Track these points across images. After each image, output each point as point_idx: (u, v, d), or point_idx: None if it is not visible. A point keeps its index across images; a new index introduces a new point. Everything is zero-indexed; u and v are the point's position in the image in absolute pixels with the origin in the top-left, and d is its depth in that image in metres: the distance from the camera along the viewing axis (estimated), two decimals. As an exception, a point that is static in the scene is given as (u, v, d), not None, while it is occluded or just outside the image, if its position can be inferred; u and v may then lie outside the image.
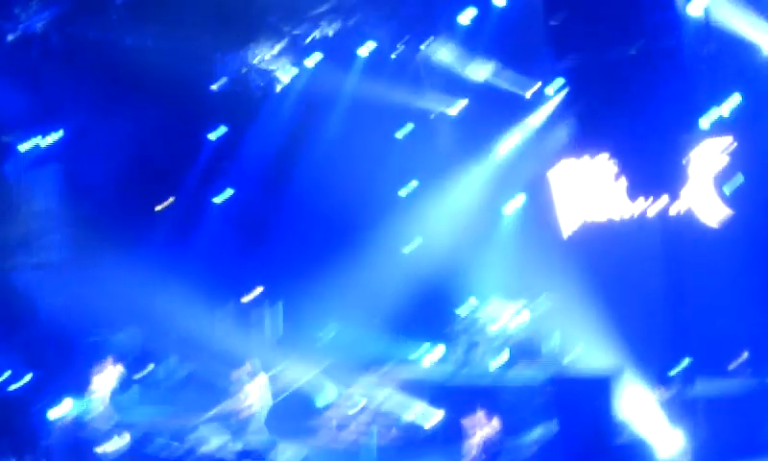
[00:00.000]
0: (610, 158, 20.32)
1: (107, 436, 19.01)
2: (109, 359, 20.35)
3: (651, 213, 19.93)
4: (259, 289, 24.92)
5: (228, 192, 25.95)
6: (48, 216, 26.85)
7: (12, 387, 22.37)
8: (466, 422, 14.24)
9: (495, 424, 13.99)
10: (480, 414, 14.14)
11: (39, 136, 26.43)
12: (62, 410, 20.57)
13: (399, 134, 23.88)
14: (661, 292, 19.30)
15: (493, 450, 13.81)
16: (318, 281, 22.57)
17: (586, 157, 21.13)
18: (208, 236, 25.71)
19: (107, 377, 20.24)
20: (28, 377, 22.55)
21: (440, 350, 21.57)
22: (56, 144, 26.50)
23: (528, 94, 21.95)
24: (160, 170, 26.07)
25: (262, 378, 18.36)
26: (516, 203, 22.95)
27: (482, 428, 13.99)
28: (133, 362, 23.08)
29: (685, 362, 15.45)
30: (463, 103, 22.94)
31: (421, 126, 23.51)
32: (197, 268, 24.15)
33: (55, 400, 20.77)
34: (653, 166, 19.21)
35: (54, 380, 21.96)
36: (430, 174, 23.08)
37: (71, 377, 21.81)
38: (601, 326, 18.16)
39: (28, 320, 25.54)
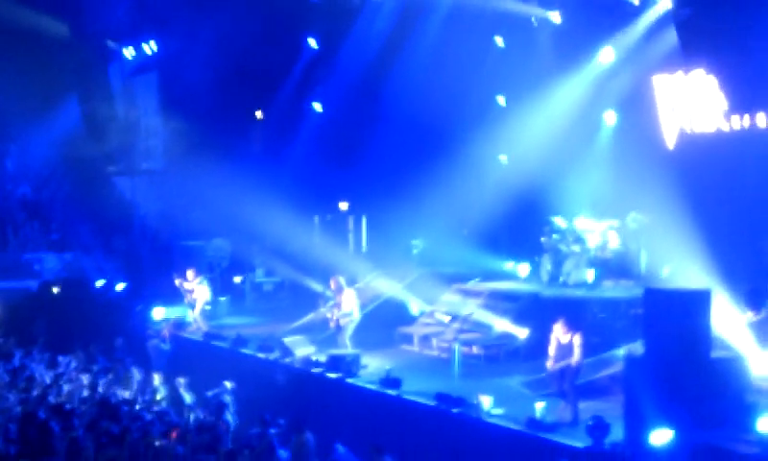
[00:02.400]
0: (715, 70, 19.56)
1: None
2: (199, 268, 20.73)
3: (760, 125, 19.06)
4: (349, 202, 25.02)
5: (321, 103, 25.96)
6: (148, 124, 27.41)
7: (115, 289, 23.16)
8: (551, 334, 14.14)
9: (577, 338, 13.84)
10: (560, 325, 14.01)
11: (142, 44, 26.90)
12: (159, 313, 21.21)
13: (499, 42, 23.32)
14: (762, 210, 18.60)
15: (575, 363, 13.72)
16: (407, 194, 22.50)
17: (690, 68, 20.29)
18: (301, 147, 25.85)
19: (201, 285, 20.66)
20: (124, 283, 23.29)
21: (528, 264, 21.31)
22: (157, 52, 26.91)
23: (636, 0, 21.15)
24: (257, 79, 26.23)
25: (350, 291, 18.44)
26: (615, 115, 22.27)
27: (564, 339, 13.87)
28: (224, 271, 23.55)
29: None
30: (561, 11, 22.22)
31: (522, 33, 22.91)
32: (289, 178, 24.35)
33: (150, 303, 21.42)
34: (761, 80, 18.44)
35: (149, 284, 22.60)
36: (527, 83, 22.52)
37: (165, 282, 22.41)
38: (694, 243, 17.63)
39: (126, 226, 26.28)
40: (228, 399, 15.09)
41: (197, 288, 20.72)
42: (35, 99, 25.85)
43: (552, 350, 14.07)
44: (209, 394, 15.78)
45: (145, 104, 28.03)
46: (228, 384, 15.90)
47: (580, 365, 13.95)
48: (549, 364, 14.09)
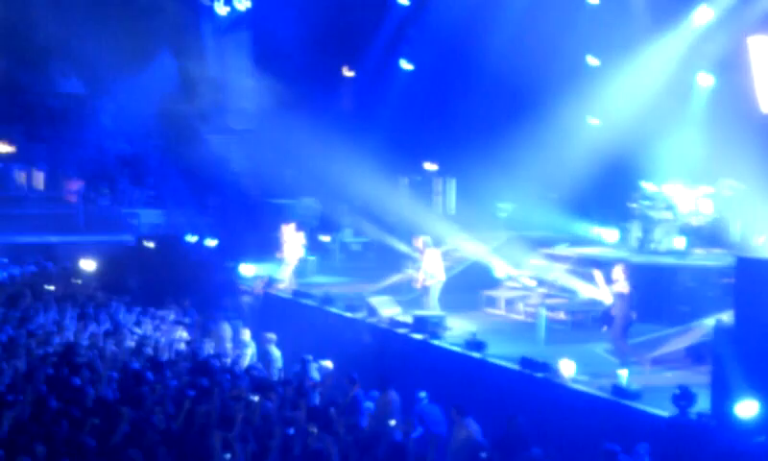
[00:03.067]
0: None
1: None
2: (294, 225, 20.99)
3: None
4: (436, 163, 25.03)
5: (410, 64, 25.94)
6: (240, 82, 27.77)
7: (206, 245, 23.65)
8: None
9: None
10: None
11: (234, 1, 27.23)
12: (248, 270, 21.62)
13: (589, 0, 22.95)
14: None
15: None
16: (495, 156, 22.40)
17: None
18: (390, 106, 25.90)
19: (293, 242, 20.93)
20: (216, 239, 23.76)
21: (617, 230, 21.08)
22: (249, 9, 27.22)
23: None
24: (347, 37, 26.35)
25: (435, 253, 18.53)
26: (710, 78, 21.77)
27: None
28: (313, 230, 23.83)
29: None
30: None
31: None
32: (378, 138, 24.46)
33: (240, 259, 21.85)
34: None
35: (240, 241, 23.02)
36: (619, 44, 22.12)
37: (256, 239, 22.82)
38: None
39: (218, 183, 26.76)
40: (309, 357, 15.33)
41: (295, 244, 21.01)
42: (130, 54, 26.38)
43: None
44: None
45: (237, 61, 28.39)
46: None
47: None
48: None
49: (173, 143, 27.03)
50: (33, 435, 10.78)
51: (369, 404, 13.74)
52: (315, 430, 11.59)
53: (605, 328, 15.15)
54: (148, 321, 17.23)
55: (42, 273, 22.29)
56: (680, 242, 19.36)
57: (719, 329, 13.06)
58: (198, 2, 27.84)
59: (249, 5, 27.10)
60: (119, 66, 27.37)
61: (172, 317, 17.58)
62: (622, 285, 14.83)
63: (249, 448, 11.15)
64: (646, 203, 20.09)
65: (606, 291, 15.26)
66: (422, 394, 13.82)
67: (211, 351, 15.73)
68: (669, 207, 19.84)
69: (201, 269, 21.89)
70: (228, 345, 16.68)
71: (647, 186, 20.39)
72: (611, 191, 21.52)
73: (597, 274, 15.46)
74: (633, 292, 14.94)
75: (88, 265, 21.96)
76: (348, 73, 27.85)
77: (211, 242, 23.78)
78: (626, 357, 14.32)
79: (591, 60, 23.27)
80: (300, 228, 21.75)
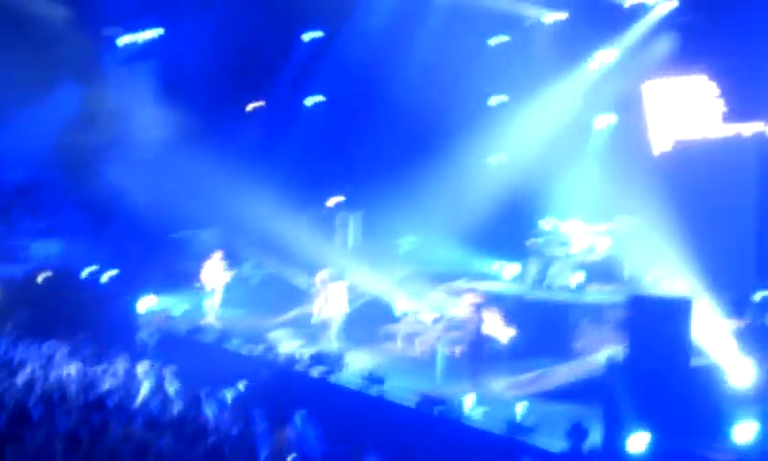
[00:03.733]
0: (709, 77, 19.66)
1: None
2: (218, 255, 20.76)
3: (747, 134, 19.16)
4: (340, 197, 25.02)
5: (318, 97, 25.98)
6: (142, 113, 27.38)
7: (102, 279, 23.14)
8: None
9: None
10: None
11: (138, 32, 26.89)
12: (147, 304, 21.23)
13: (492, 42, 23.33)
14: (748, 218, 18.70)
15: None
16: (399, 191, 22.53)
17: (683, 75, 20.38)
18: (295, 140, 25.86)
19: (218, 274, 20.64)
20: (115, 271, 23.29)
21: (516, 266, 21.39)
22: (152, 41, 26.90)
23: (627, 3, 21.20)
24: (253, 70, 26.25)
25: (339, 286, 18.51)
26: (608, 119, 22.32)
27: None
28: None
29: (765, 292, 14.99)
30: (560, 12, 22.26)
31: (516, 34, 22.94)
32: (281, 171, 24.36)
33: (138, 293, 21.44)
34: (754, 87, 18.54)
35: (138, 274, 22.60)
36: (521, 85, 22.56)
37: (155, 272, 22.44)
38: (683, 249, 17.74)
39: (116, 215, 26.25)
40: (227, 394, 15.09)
41: (218, 274, 20.73)
42: (29, 83, 25.81)
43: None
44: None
45: (140, 92, 28.01)
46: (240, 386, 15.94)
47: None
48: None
49: (71, 173, 26.45)
50: None
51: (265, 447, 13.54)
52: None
53: None
54: (38, 356, 16.72)
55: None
56: (575, 278, 19.74)
57: (611, 365, 13.33)
58: (100, 33, 27.44)
59: (154, 35, 26.81)
60: (18, 95, 26.75)
61: (63, 352, 17.11)
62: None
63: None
64: (542, 240, 20.48)
65: (501, 327, 15.50)
66: (297, 416, 13.72)
67: (105, 387, 15.33)
68: (565, 244, 20.26)
69: (97, 302, 21.42)
70: (123, 380, 16.27)
71: (545, 223, 20.79)
72: (511, 228, 21.85)
73: (491, 314, 15.76)
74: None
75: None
76: (254, 106, 27.73)
77: (109, 275, 23.31)
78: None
79: (495, 99, 23.66)
80: (198, 260, 21.44)
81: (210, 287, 20.77)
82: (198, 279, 20.99)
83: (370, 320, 19.65)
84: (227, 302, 21.86)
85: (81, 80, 27.73)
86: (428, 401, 14.32)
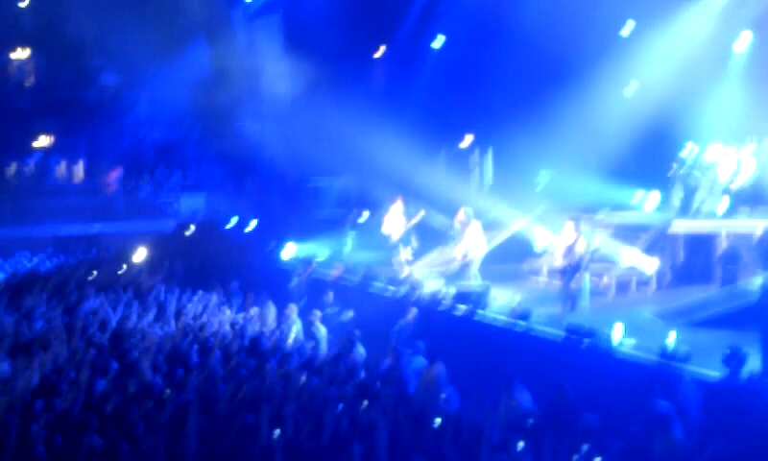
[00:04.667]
0: None
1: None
2: (398, 204, 20.01)
3: None
4: (473, 136, 24.91)
5: (442, 37, 25.83)
6: (272, 66, 27.85)
7: (246, 229, 23.75)
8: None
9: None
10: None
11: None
12: (290, 251, 21.68)
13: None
14: None
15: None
16: (532, 126, 22.26)
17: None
18: (425, 81, 25.81)
19: (401, 222, 19.85)
20: (257, 221, 23.86)
21: (658, 195, 20.89)
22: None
23: None
24: (379, 15, 26.28)
25: (476, 225, 18.49)
26: (746, 40, 21.45)
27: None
28: (351, 208, 23.82)
29: None
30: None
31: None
32: (413, 114, 24.40)
33: (283, 240, 21.93)
34: None
35: (279, 223, 23.11)
36: (654, 8, 21.86)
37: (296, 220, 22.88)
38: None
39: (255, 167, 26.88)
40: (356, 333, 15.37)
41: (403, 224, 19.62)
42: (163, 45, 26.52)
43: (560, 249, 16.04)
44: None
45: (269, 46, 28.44)
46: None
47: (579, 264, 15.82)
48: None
49: (209, 130, 27.19)
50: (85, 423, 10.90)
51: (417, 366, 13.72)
52: (364, 405, 11.63)
53: None
54: (193, 304, 17.34)
55: (86, 262, 22.52)
56: (722, 203, 19.14)
57: (765, 289, 12.93)
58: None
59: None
60: (153, 57, 27.56)
61: (215, 300, 17.70)
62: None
63: (299, 426, 11.21)
64: (687, 165, 19.88)
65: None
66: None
67: (258, 331, 15.81)
68: (710, 169, 19.60)
69: (242, 251, 22.01)
70: (274, 324, 16.75)
71: (687, 150, 20.17)
72: (651, 155, 21.32)
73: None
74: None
75: (131, 253, 22.17)
76: (380, 51, 27.79)
77: (251, 224, 23.89)
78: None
79: (626, 27, 23.01)
80: (339, 205, 21.66)
81: (396, 237, 19.67)
82: (379, 229, 20.22)
83: (512, 255, 19.59)
84: (368, 245, 22.14)
85: (211, 38, 28.33)
86: (576, 334, 14.20)
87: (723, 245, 17.61)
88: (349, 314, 17.10)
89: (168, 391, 12.02)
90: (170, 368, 13.22)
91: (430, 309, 16.91)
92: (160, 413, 11.42)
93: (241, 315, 16.90)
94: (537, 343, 14.74)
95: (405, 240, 19.61)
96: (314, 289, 19.07)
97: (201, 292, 18.10)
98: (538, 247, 19.64)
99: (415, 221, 19.67)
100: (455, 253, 18.54)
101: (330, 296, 17.95)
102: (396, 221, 19.77)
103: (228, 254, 21.85)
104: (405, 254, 19.55)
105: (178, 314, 16.46)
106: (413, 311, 16.45)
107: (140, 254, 21.82)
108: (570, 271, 16.70)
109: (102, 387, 12.13)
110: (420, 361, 14.04)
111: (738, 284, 15.68)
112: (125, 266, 20.99)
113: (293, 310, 16.61)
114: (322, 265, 20.91)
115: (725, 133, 20.43)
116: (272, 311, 17.15)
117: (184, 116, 28.29)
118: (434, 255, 20.04)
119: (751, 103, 20.26)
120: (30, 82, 31.25)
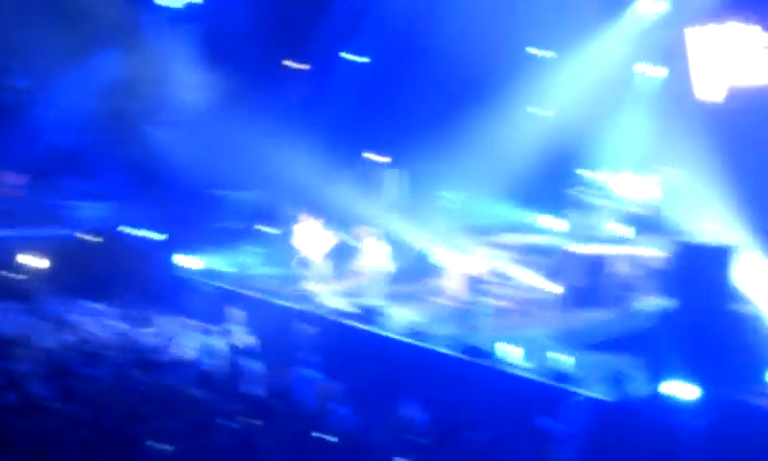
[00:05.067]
0: (762, 28, 19.27)
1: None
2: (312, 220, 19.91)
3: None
4: (383, 154, 24.93)
5: (359, 57, 25.89)
6: (183, 76, 27.51)
7: (148, 239, 23.34)
8: None
9: None
10: None
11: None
12: (194, 263, 21.41)
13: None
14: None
15: None
16: (442, 146, 22.40)
17: (732, 23, 19.97)
18: (337, 98, 25.81)
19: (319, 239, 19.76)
20: (161, 232, 23.48)
21: (560, 219, 21.24)
22: (193, 3, 26.95)
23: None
24: (294, 28, 26.21)
25: (380, 242, 18.53)
26: (655, 69, 21.97)
27: None
28: (257, 222, 23.60)
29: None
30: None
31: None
32: (324, 128, 24.34)
33: (186, 251, 21.62)
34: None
35: (184, 234, 22.78)
36: (565, 34, 22.26)
37: (201, 231, 22.59)
38: (729, 199, 17.50)
39: (161, 177, 26.45)
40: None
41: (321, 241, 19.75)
42: (73, 48, 26.01)
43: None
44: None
45: (184, 55, 28.11)
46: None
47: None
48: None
49: (115, 136, 26.69)
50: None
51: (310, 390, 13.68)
52: (256, 420, 11.56)
53: None
54: (88, 314, 17.02)
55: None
56: (620, 229, 19.56)
57: (657, 314, 13.24)
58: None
59: (195, -1, 26.86)
60: (61, 60, 26.98)
61: (110, 310, 17.39)
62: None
63: (191, 442, 11.07)
64: (588, 191, 20.29)
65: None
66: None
67: (152, 343, 15.58)
68: (610, 195, 20.04)
69: (143, 262, 21.61)
70: (169, 337, 16.51)
71: (589, 174, 20.57)
72: (555, 180, 21.61)
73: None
74: None
75: (28, 259, 21.61)
76: (296, 66, 27.71)
77: (154, 235, 23.50)
78: None
79: (538, 51, 23.37)
80: (243, 219, 21.41)
81: (310, 255, 19.57)
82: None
83: (413, 274, 19.65)
84: (271, 260, 21.97)
85: (122, 44, 27.87)
86: (472, 353, 14.32)
87: (619, 269, 17.94)
88: (248, 328, 16.92)
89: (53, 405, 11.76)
90: (57, 378, 12.92)
91: (328, 325, 16.86)
92: (44, 425, 11.15)
93: (137, 326, 16.64)
94: (432, 361, 14.82)
95: (311, 257, 19.54)
96: (215, 302, 18.86)
97: (96, 302, 17.76)
98: (439, 266, 19.75)
99: (327, 240, 19.67)
100: (357, 269, 18.56)
101: (231, 309, 17.76)
102: (306, 237, 19.76)
103: (127, 264, 21.44)
104: (309, 269, 19.50)
105: (71, 324, 16.12)
106: (310, 326, 16.39)
107: (37, 261, 21.30)
108: (470, 291, 16.86)
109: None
110: (314, 376, 13.99)
111: (631, 309, 16.00)
112: (20, 273, 20.47)
113: (190, 324, 16.41)
114: (225, 278, 20.71)
115: (629, 160, 20.91)
116: (168, 323, 16.91)
117: (91, 122, 27.72)
118: (336, 271, 19.97)
119: (655, 131, 20.74)
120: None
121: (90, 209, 26.56)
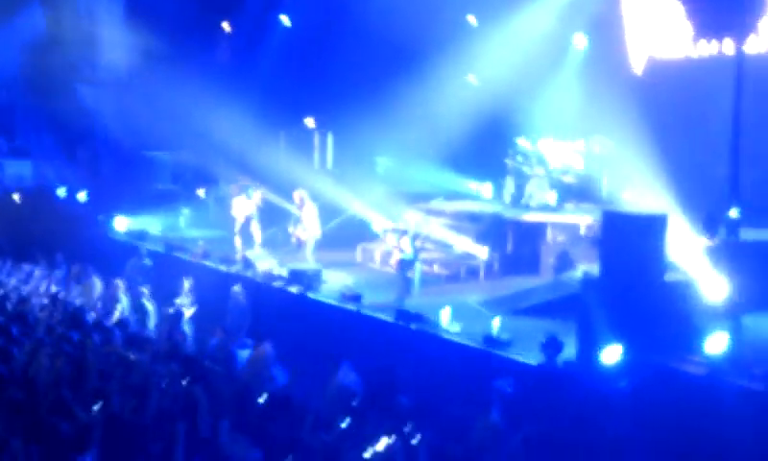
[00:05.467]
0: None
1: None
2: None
3: (726, 52, 19.04)
4: (315, 118, 24.85)
5: (289, 16, 25.67)
6: (112, 33, 26.98)
7: (76, 199, 22.98)
8: None
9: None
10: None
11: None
12: (121, 224, 21.15)
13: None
14: (722, 137, 18.76)
15: None
16: (375, 111, 22.40)
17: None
18: (268, 60, 25.59)
19: (244, 204, 19.61)
20: (87, 191, 23.13)
21: (492, 185, 21.45)
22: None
23: None
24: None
25: (312, 206, 18.52)
26: (585, 37, 22.21)
27: None
28: (187, 183, 23.42)
29: (735, 210, 15.11)
30: None
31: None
32: (255, 92, 24.14)
33: (114, 212, 21.35)
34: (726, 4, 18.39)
35: (111, 194, 22.48)
36: (498, 2, 22.34)
37: (129, 192, 22.31)
38: (658, 168, 17.83)
39: (89, 135, 26.01)
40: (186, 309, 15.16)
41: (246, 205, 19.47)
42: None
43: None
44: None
45: (110, 13, 27.55)
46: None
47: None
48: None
49: (41, 94, 26.10)
50: None
51: (243, 354, 13.66)
52: (186, 382, 11.49)
53: None
54: (14, 275, 16.71)
55: None
56: (551, 197, 19.83)
57: (585, 281, 13.46)
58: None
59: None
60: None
61: (38, 272, 17.10)
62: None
63: (123, 402, 10.97)
64: (519, 158, 20.51)
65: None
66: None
67: (80, 305, 15.37)
68: (541, 163, 20.29)
69: (70, 223, 21.30)
70: (99, 299, 16.32)
71: (521, 142, 20.79)
72: (487, 147, 21.84)
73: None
74: None
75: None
76: (226, 27, 27.36)
77: (82, 195, 23.15)
78: None
79: (471, 19, 23.44)
80: (174, 181, 21.20)
81: (240, 218, 19.45)
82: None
83: (346, 239, 19.71)
84: (202, 223, 21.85)
85: (44, 0, 27.23)
86: (405, 318, 14.43)
87: (549, 237, 18.22)
88: (180, 291, 16.79)
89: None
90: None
91: (262, 288, 16.84)
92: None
93: (65, 287, 16.39)
94: (366, 325, 14.91)
95: (243, 220, 19.41)
96: (145, 264, 18.68)
97: (23, 263, 17.43)
98: (375, 230, 19.82)
99: (255, 202, 19.47)
100: (291, 233, 18.54)
101: (165, 272, 17.58)
102: (238, 200, 19.65)
103: (54, 224, 21.10)
104: (241, 232, 19.38)
105: (1, 283, 15.82)
106: (242, 290, 16.35)
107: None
108: (403, 257, 16.94)
109: None
110: (246, 341, 13.97)
111: (561, 276, 16.27)
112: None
113: (120, 285, 16.21)
114: (155, 240, 20.51)
115: (558, 128, 21.16)
116: (97, 285, 16.70)
117: (14, 79, 27.07)
118: (270, 234, 19.92)
119: (584, 101, 21.00)
120: None
121: (13, 168, 26.06)
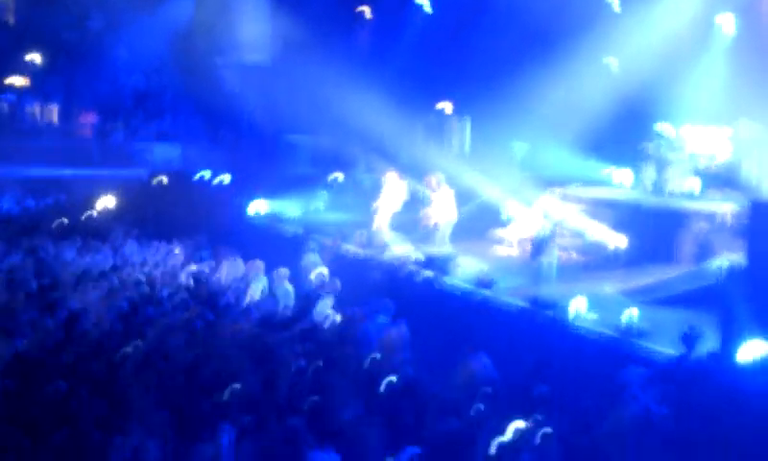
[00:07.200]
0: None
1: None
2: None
3: None
4: (451, 102, 24.78)
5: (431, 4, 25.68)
6: (257, 18, 27.61)
7: (217, 181, 23.61)
8: None
9: None
10: None
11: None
12: (261, 206, 21.61)
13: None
14: None
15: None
16: (511, 96, 22.18)
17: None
18: (407, 46, 25.68)
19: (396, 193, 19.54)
20: (229, 174, 23.72)
21: (630, 172, 20.92)
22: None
23: None
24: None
25: (448, 191, 18.48)
26: (733, 19, 21.40)
27: None
28: (326, 167, 23.70)
29: None
30: None
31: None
32: (394, 78, 24.27)
33: (255, 195, 21.84)
34: None
35: (253, 177, 22.99)
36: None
37: (270, 176, 22.77)
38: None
39: (233, 119, 26.69)
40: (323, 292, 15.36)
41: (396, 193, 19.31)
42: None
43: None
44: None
45: (254, 2, 28.17)
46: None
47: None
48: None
49: (188, 79, 26.93)
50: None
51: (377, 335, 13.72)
52: (321, 363, 11.67)
53: None
54: (158, 254, 17.28)
55: (56, 206, 22.35)
56: (694, 184, 19.20)
57: (730, 271, 13.01)
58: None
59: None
60: (135, 2, 27.24)
61: (180, 252, 17.63)
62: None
63: (257, 380, 11.22)
64: (662, 144, 19.91)
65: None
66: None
67: (220, 285, 15.78)
68: (683, 149, 19.65)
69: (213, 205, 21.89)
70: (240, 279, 16.70)
71: (663, 128, 20.17)
72: (626, 133, 21.28)
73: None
74: None
75: (102, 199, 22.01)
76: (367, 13, 27.60)
77: (224, 178, 23.76)
78: None
79: (613, 1, 22.90)
80: (313, 164, 21.45)
81: (388, 208, 19.32)
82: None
83: (480, 224, 19.59)
84: (339, 205, 22.09)
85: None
86: (538, 305, 14.25)
87: (690, 225, 17.65)
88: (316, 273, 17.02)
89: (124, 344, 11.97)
90: (128, 317, 13.18)
91: (396, 272, 16.92)
92: (116, 361, 11.39)
93: (206, 267, 16.84)
94: (499, 312, 14.78)
95: (382, 205, 19.41)
96: (281, 245, 19.01)
97: (167, 243, 18.01)
98: (508, 217, 19.64)
99: (397, 188, 19.37)
100: (425, 217, 18.54)
101: (310, 256, 17.77)
102: (391, 191, 19.42)
103: (198, 206, 21.72)
104: (380, 217, 19.44)
105: (141, 264, 16.39)
106: (379, 273, 16.47)
107: (109, 202, 21.69)
108: (538, 243, 16.75)
109: (58, 333, 12.08)
110: (383, 320, 14.05)
111: (702, 265, 15.75)
112: (93, 212, 20.86)
113: (259, 267, 16.55)
114: (294, 223, 20.86)
115: (703, 113, 20.45)
116: (239, 266, 17.10)
117: (163, 64, 28.01)
118: (405, 220, 19.96)
119: (731, 86, 20.25)
120: (10, 20, 30.83)
121: (161, 151, 27.00)
